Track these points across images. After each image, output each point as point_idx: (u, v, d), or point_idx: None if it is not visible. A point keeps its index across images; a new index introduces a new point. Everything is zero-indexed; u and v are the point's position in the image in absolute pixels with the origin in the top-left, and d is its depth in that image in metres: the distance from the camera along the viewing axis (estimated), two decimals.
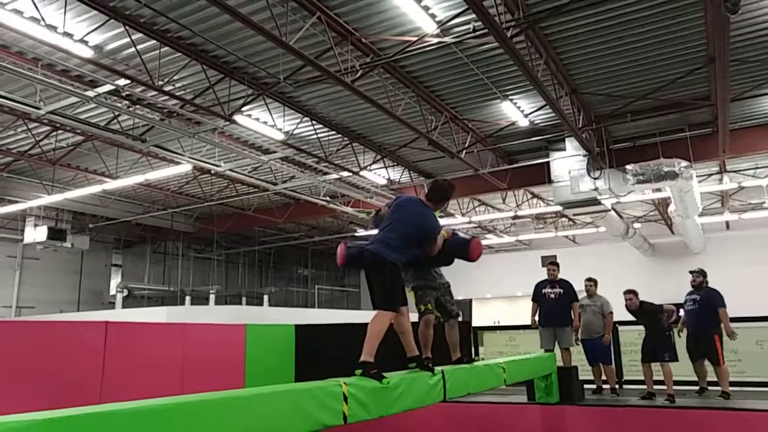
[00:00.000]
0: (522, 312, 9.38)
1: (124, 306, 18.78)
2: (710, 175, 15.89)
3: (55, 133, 12.02)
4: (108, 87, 8.90)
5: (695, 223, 16.39)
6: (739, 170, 15.56)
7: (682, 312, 7.69)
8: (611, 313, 7.80)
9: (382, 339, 3.84)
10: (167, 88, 9.36)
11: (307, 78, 9.49)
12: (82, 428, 2.10)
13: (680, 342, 7.41)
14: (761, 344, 7.84)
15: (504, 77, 10.08)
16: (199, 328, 7.74)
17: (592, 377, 7.86)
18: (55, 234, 16.12)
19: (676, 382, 7.22)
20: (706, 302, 7.21)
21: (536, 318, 7.79)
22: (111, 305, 19.40)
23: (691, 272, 7.56)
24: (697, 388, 7.38)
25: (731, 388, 7.16)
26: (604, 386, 7.77)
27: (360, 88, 9.07)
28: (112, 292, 19.74)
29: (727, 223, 20.46)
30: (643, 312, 7.45)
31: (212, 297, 21.10)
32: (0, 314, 16.47)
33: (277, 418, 2.90)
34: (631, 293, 7.48)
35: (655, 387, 7.22)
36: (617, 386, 7.89)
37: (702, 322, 7.16)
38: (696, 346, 7.23)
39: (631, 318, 7.79)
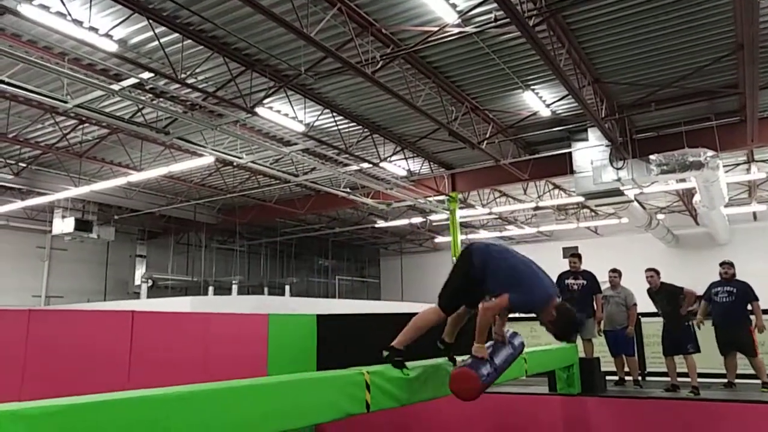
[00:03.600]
0: None
1: (148, 296, 19.13)
2: (737, 164, 15.57)
3: (81, 126, 12.25)
4: (132, 80, 9.02)
5: (721, 214, 16.11)
6: None
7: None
8: (635, 305, 7.71)
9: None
10: (190, 81, 9.47)
11: (328, 70, 9.52)
12: (111, 413, 2.16)
13: (702, 333, 7.28)
14: None
15: (526, 67, 9.99)
16: (223, 318, 7.87)
17: (614, 369, 7.80)
18: (81, 225, 16.48)
19: (702, 375, 7.13)
20: (743, 294, 7.06)
21: None
22: (136, 295, 19.78)
23: (723, 264, 7.39)
24: (725, 381, 7.25)
25: (755, 381, 7.04)
26: (627, 378, 7.70)
27: (380, 79, 9.07)
28: (137, 282, 20.14)
29: (755, 214, 20.06)
30: (663, 292, 7.33)
31: (235, 287, 21.37)
32: (30, 303, 16.89)
33: (300, 406, 2.94)
34: (652, 271, 7.42)
35: (679, 379, 7.14)
36: (640, 378, 7.82)
37: (737, 314, 7.01)
38: (730, 339, 7.07)
39: (654, 309, 7.69)
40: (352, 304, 17.54)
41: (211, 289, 20.92)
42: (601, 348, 7.73)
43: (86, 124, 12.22)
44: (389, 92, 9.47)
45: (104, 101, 10.34)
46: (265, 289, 23.18)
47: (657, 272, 7.41)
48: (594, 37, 9.09)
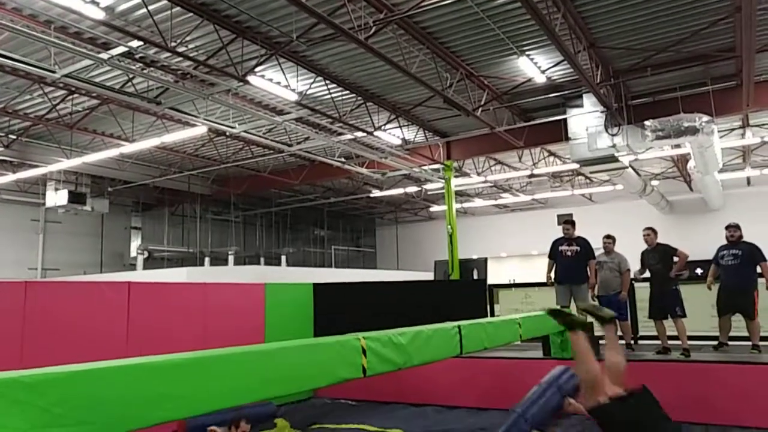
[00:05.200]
0: (538, 270, 9.41)
1: (144, 268, 19.17)
2: (732, 129, 15.54)
3: (71, 97, 12.08)
4: (121, 49, 8.86)
5: (715, 179, 16.15)
6: (763, 124, 15.21)
7: (698, 270, 7.63)
8: (628, 270, 7.77)
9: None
10: (180, 50, 9.30)
11: (321, 36, 9.37)
12: (111, 380, 2.19)
13: (693, 296, 7.36)
14: None
15: (521, 32, 9.85)
16: (220, 288, 7.91)
17: None
18: (75, 198, 16.41)
19: (692, 338, 7.25)
20: (750, 257, 7.04)
21: (552, 275, 7.80)
22: (132, 267, 19.82)
23: (728, 227, 7.39)
24: (714, 342, 7.35)
25: (745, 343, 7.15)
26: (620, 342, 7.79)
27: (374, 45, 8.93)
28: (133, 254, 20.15)
29: (748, 179, 20.14)
30: (658, 250, 7.41)
31: (231, 258, 21.42)
32: (26, 276, 16.91)
33: (298, 371, 2.98)
34: (649, 229, 7.55)
35: (670, 342, 7.25)
36: (632, 342, 7.94)
37: (744, 276, 7.01)
38: (732, 301, 7.11)
39: (646, 275, 7.75)
40: (348, 274, 17.64)
41: (207, 260, 20.96)
42: None
43: (76, 95, 12.04)
44: (383, 59, 9.34)
45: (93, 71, 10.18)
46: (262, 260, 23.25)
47: (654, 231, 7.53)
48: (590, 1, 8.94)
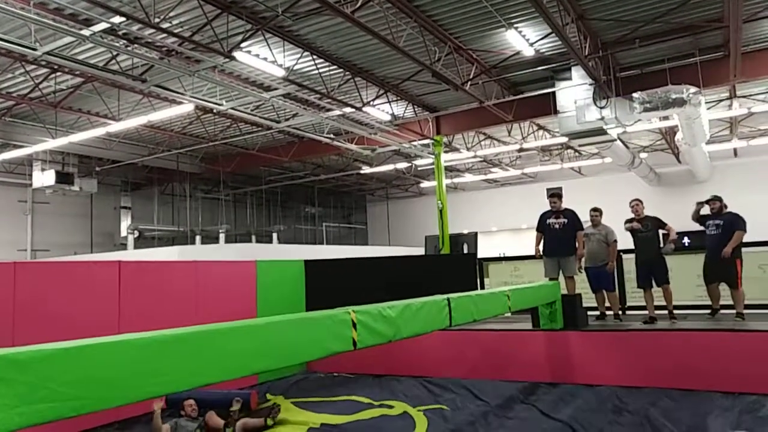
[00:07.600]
0: (527, 243, 9.50)
1: (135, 247, 19.13)
2: (720, 101, 15.59)
3: (53, 75, 11.88)
4: (103, 25, 8.68)
5: (702, 151, 16.25)
6: (750, 95, 15.27)
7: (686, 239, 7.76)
8: (615, 241, 7.88)
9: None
10: (164, 26, 9.15)
11: (306, 10, 9.25)
12: (103, 356, 2.21)
13: (679, 265, 7.46)
14: (763, 268, 7.94)
15: (508, 4, 9.77)
16: (211, 266, 7.92)
17: (595, 304, 8.03)
18: (62, 178, 16.26)
19: (679, 307, 7.41)
20: (730, 226, 7.20)
21: (540, 248, 7.87)
22: (123, 247, 19.77)
23: (707, 202, 7.56)
24: (705, 311, 7.51)
25: (731, 311, 7.30)
26: (608, 312, 7.94)
27: (361, 19, 8.83)
28: (123, 233, 20.07)
29: (735, 151, 20.28)
30: (648, 219, 7.54)
31: (222, 236, 21.41)
32: (16, 257, 16.82)
33: (289, 345, 3.02)
34: (637, 200, 7.71)
35: (657, 312, 7.40)
36: (620, 312, 8.07)
37: (724, 246, 7.14)
38: (715, 270, 7.28)
39: (633, 246, 7.87)
40: (339, 250, 17.70)
41: (198, 238, 20.93)
42: (582, 284, 7.93)
43: (59, 73, 11.84)
44: (370, 33, 9.24)
45: (76, 48, 9.98)
46: (253, 238, 23.25)
47: (641, 202, 7.67)
48: None
